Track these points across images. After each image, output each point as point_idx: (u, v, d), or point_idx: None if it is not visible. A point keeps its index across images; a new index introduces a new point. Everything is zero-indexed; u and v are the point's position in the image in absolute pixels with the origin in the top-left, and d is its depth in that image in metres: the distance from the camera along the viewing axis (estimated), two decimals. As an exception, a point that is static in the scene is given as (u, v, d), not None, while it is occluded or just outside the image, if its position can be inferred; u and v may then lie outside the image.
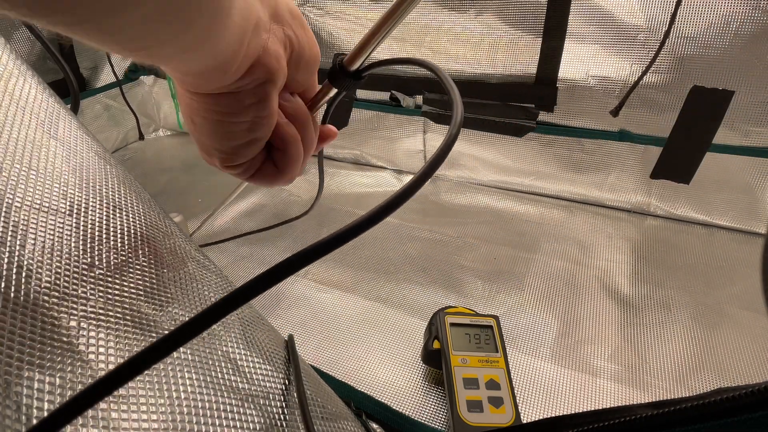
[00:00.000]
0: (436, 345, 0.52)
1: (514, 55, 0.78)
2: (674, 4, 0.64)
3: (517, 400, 0.47)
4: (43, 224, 0.22)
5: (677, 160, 0.74)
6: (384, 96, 0.92)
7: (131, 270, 0.24)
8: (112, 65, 1.04)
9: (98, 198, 0.26)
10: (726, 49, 0.65)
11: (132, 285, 0.24)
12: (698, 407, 0.21)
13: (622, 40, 0.71)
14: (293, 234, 0.80)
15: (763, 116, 0.67)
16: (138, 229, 0.27)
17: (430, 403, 0.52)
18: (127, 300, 0.23)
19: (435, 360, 0.52)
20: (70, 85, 0.42)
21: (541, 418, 0.50)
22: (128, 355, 0.21)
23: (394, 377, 0.55)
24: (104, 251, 0.24)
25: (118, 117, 1.11)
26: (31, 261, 0.21)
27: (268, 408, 0.26)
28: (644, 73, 0.69)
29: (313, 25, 0.90)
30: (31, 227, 0.22)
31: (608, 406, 0.52)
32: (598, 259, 0.72)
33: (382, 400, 0.51)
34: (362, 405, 0.49)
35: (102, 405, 0.19)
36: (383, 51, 0.87)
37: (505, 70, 0.79)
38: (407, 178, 0.96)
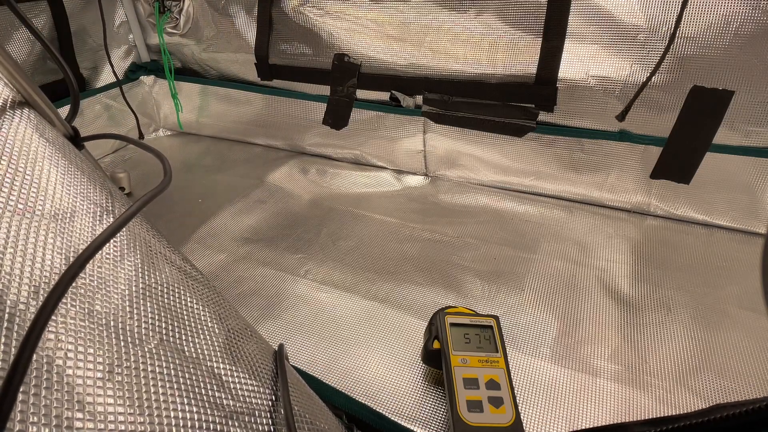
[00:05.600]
0: (436, 345, 0.52)
1: (514, 55, 0.78)
2: (680, 5, 0.64)
3: (517, 400, 0.47)
4: (26, 229, 0.22)
5: (677, 160, 0.74)
6: (384, 96, 0.92)
7: (117, 282, 0.24)
8: (112, 65, 1.04)
9: (86, 202, 0.26)
10: (726, 49, 0.65)
11: (117, 297, 0.23)
12: (697, 426, 0.21)
13: (622, 40, 0.71)
14: (294, 234, 0.80)
15: (763, 116, 0.67)
16: (126, 238, 0.26)
17: (430, 404, 0.52)
18: (112, 313, 0.22)
19: (435, 360, 0.52)
20: (70, 85, 0.42)
21: (541, 418, 0.50)
22: (108, 369, 0.20)
23: (394, 377, 0.55)
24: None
25: (118, 117, 1.11)
26: (9, 269, 0.20)
27: (254, 425, 0.25)
28: (650, 77, 0.69)
29: (313, 25, 0.91)
30: (12, 232, 0.21)
31: (608, 408, 0.52)
32: (598, 259, 0.72)
33: (379, 405, 0.51)
34: (356, 412, 0.49)
35: (77, 424, 0.18)
36: (385, 51, 0.87)
37: (505, 70, 0.79)
38: (407, 178, 0.96)
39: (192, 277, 0.30)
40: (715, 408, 0.22)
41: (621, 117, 0.72)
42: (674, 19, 0.65)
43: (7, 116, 0.26)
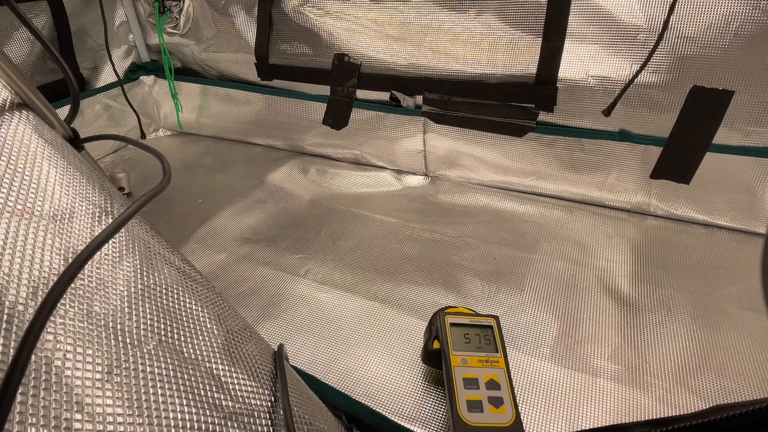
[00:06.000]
0: (436, 345, 0.52)
1: (514, 55, 0.78)
2: (680, 5, 0.64)
3: (517, 400, 0.47)
4: (24, 230, 0.22)
5: (677, 160, 0.74)
6: (384, 96, 0.92)
7: (115, 282, 0.24)
8: (113, 65, 1.04)
9: (84, 203, 0.26)
10: (726, 49, 0.65)
11: (116, 298, 0.23)
12: (697, 427, 0.21)
13: (622, 40, 0.71)
14: (294, 234, 0.80)
15: (763, 116, 0.67)
16: (125, 239, 0.26)
17: (430, 404, 0.52)
18: (111, 314, 0.22)
19: (435, 360, 0.52)
20: (70, 86, 0.42)
21: (541, 418, 0.50)
22: (107, 370, 0.20)
23: (394, 377, 0.55)
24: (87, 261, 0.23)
25: (119, 117, 1.11)
26: (8, 269, 0.20)
27: (253, 426, 0.25)
28: (636, 74, 0.69)
29: (313, 25, 0.91)
30: (11, 233, 0.21)
31: (608, 408, 0.52)
32: (598, 259, 0.72)
33: (379, 405, 0.51)
34: (356, 413, 0.49)
35: (76, 425, 0.18)
36: (385, 51, 0.87)
37: (505, 70, 0.79)
38: (407, 178, 0.96)
39: (191, 277, 0.29)
40: (715, 409, 0.22)
41: (607, 112, 0.72)
42: (672, 19, 0.65)
43: (6, 117, 0.26)
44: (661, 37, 0.66)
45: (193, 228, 0.83)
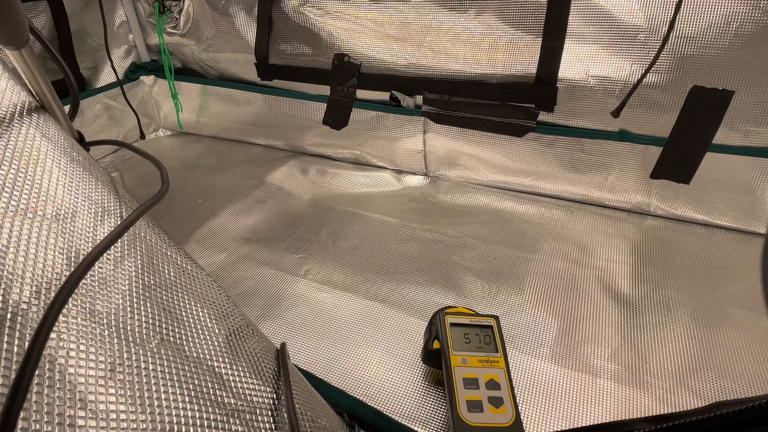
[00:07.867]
0: (436, 345, 0.52)
1: (514, 55, 0.78)
2: (674, 5, 0.64)
3: (517, 400, 0.47)
4: (28, 229, 0.22)
5: (677, 160, 0.74)
6: (384, 96, 0.92)
7: (117, 281, 0.24)
8: (113, 65, 1.04)
9: (87, 202, 0.26)
10: (726, 49, 0.65)
11: (118, 297, 0.23)
12: (697, 423, 0.21)
13: (622, 40, 0.71)
14: (294, 234, 0.80)
15: (763, 116, 0.67)
16: (127, 238, 0.26)
17: (430, 404, 0.52)
18: (113, 313, 0.22)
19: (435, 360, 0.52)
20: (69, 86, 0.42)
21: (541, 418, 0.50)
22: (110, 368, 0.20)
23: (394, 377, 0.55)
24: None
25: (118, 117, 1.11)
26: (12, 268, 0.20)
27: (255, 423, 0.25)
28: (644, 75, 0.69)
29: (313, 25, 0.91)
30: (15, 232, 0.21)
31: (608, 408, 0.52)
32: (598, 259, 0.72)
33: (380, 405, 0.51)
34: (357, 411, 0.49)
35: (80, 422, 0.18)
36: (385, 51, 0.87)
37: (505, 70, 0.79)
38: (407, 178, 0.96)
39: (193, 275, 0.30)
40: (715, 406, 0.22)
41: (616, 113, 0.72)
42: (675, 19, 0.65)
43: (17, 119, 0.26)
44: (666, 38, 0.66)
45: (193, 228, 0.83)
